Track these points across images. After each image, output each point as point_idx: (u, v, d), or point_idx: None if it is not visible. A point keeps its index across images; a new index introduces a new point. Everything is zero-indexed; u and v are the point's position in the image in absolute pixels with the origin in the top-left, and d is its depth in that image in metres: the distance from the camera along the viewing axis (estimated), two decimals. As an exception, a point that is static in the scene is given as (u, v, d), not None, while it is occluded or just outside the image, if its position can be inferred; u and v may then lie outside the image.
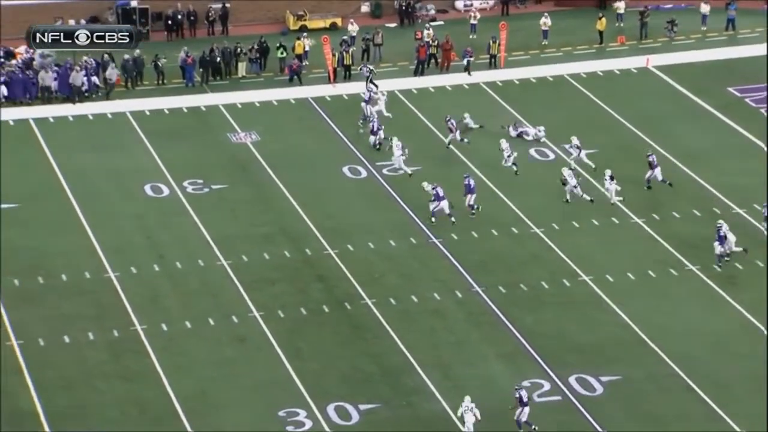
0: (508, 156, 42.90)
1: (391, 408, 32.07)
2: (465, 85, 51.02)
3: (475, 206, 40.34)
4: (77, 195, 41.58)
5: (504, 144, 43.13)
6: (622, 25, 55.65)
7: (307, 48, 52.12)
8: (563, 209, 41.20)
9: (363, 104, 47.10)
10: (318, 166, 43.97)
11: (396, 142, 43.32)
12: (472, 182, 40.50)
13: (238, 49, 50.91)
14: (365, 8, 57.83)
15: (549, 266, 38.22)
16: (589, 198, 41.25)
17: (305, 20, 55.97)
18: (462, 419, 30.81)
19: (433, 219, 39.90)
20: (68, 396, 32.09)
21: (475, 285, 37.44)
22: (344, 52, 50.86)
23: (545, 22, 54.65)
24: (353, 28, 54.20)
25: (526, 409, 30.82)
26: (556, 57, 53.33)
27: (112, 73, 48.47)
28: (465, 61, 51.14)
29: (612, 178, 41.21)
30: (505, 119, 46.94)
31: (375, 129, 44.89)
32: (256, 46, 51.15)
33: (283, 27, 55.97)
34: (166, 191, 42.17)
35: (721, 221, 38.12)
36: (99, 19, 54.20)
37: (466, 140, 44.70)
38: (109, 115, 47.20)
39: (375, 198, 42.35)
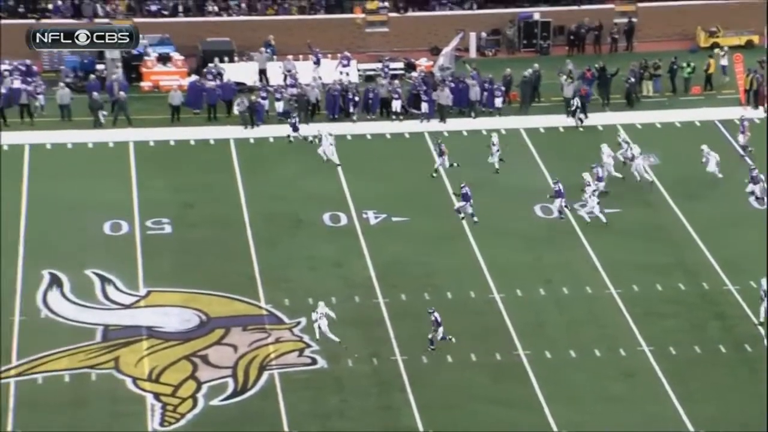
0: (497, 151, 45.00)
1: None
2: None
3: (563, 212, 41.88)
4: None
5: (495, 138, 45.14)
6: None
7: (723, 64, 51.62)
8: None
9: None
10: (721, 194, 43.51)
11: (326, 133, 45.60)
12: (468, 190, 41.90)
13: (645, 68, 51.16)
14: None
15: None
16: None
17: (718, 37, 55.41)
18: (317, 326, 35.37)
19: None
20: (448, 417, 33.61)
21: None
22: (755, 75, 49.77)
23: None
24: (772, 45, 53.23)
25: (441, 329, 35.41)
26: None
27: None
28: None
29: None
30: None
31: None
32: (663, 64, 50.99)
33: (692, 44, 55.70)
34: (556, 213, 43.19)
35: None
36: (500, 32, 56.21)
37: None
38: (503, 131, 48.68)
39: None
